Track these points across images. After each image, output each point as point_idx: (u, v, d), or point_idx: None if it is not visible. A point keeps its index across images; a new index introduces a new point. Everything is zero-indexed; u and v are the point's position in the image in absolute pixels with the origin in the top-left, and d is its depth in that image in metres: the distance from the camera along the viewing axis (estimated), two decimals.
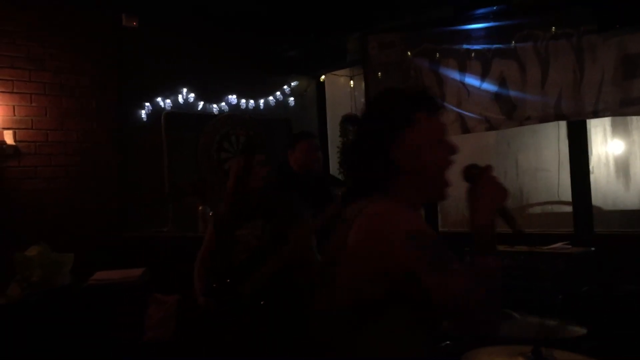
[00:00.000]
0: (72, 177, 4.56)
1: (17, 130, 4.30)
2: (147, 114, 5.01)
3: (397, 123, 1.45)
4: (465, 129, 4.67)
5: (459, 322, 1.37)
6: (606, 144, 4.52)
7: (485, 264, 1.37)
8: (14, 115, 4.30)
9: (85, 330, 3.74)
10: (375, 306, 1.37)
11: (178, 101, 5.21)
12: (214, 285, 2.80)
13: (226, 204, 2.85)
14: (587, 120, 4.30)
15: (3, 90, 4.25)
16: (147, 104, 5.02)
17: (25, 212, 4.28)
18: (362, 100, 5.65)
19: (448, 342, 2.49)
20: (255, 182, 2.85)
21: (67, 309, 3.77)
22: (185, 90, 5.25)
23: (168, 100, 5.14)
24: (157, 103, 5.09)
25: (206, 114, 5.40)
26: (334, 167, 5.86)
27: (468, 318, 1.33)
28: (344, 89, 6.25)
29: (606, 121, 4.44)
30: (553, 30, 4.12)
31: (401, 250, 1.32)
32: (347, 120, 5.90)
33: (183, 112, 5.23)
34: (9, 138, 4.23)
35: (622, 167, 4.44)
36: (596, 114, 4.05)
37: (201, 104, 5.36)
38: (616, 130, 4.47)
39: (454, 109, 4.68)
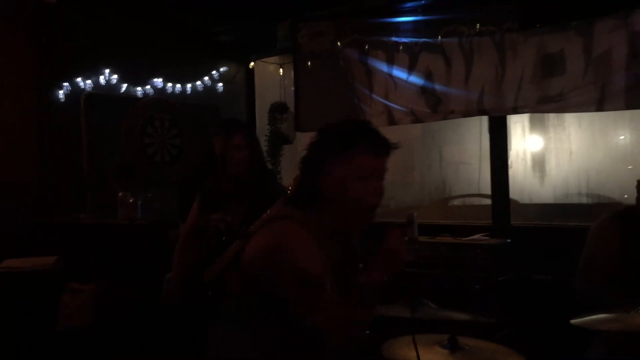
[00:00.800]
0: None
1: None
2: (66, 95, 4.78)
3: (329, 154, 1.58)
4: (392, 121, 4.72)
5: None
6: (524, 139, 4.69)
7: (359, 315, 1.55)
8: None
9: None
10: (254, 309, 1.60)
11: (99, 82, 5.00)
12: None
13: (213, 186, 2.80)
14: (508, 117, 4.45)
15: None
16: (66, 84, 4.79)
17: None
18: (292, 88, 5.62)
19: (367, 331, 2.52)
20: (232, 166, 2.78)
21: None
22: (107, 71, 5.03)
23: (89, 81, 4.92)
24: (77, 83, 4.86)
25: (130, 97, 5.21)
26: None
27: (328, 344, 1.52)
28: (273, 77, 6.20)
29: (525, 118, 4.60)
30: (477, 26, 4.23)
31: (283, 279, 1.52)
32: (276, 109, 5.86)
33: (105, 94, 5.02)
34: None
35: (539, 162, 4.63)
36: (515, 110, 4.19)
37: (125, 86, 5.17)
38: (534, 126, 4.65)
39: (382, 100, 4.73)
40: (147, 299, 3.50)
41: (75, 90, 4.84)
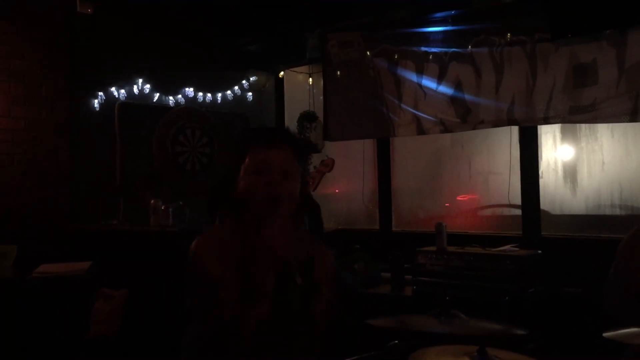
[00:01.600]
0: (18, 166, 4.41)
1: None
2: (100, 104, 4.89)
3: (238, 158, 1.80)
4: (421, 131, 4.72)
5: None
6: (555, 149, 4.63)
7: None
8: None
9: (28, 324, 3.64)
10: None
11: (133, 92, 5.10)
12: None
13: None
14: (538, 126, 4.41)
15: None
16: (101, 93, 4.90)
17: None
18: (321, 98, 5.65)
19: (396, 341, 2.51)
20: None
21: (9, 302, 3.65)
22: (140, 80, 5.14)
23: (122, 91, 5.03)
24: (111, 93, 4.97)
25: (162, 106, 5.30)
26: None
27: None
28: (302, 86, 6.24)
29: (556, 128, 4.54)
30: (508, 36, 4.21)
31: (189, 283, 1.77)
32: (305, 118, 5.89)
33: (138, 103, 5.12)
34: None
35: (570, 173, 4.56)
36: (547, 121, 4.15)
37: (157, 95, 5.26)
38: (565, 136, 4.59)
39: (411, 110, 4.73)
40: (176, 305, 3.55)
41: (110, 99, 4.95)
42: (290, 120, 6.13)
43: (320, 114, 5.67)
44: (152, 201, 4.38)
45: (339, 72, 5.19)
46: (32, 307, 3.68)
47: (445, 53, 4.52)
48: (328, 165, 3.04)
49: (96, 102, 4.87)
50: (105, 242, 4.33)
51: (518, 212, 4.55)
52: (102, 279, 3.99)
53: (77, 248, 4.34)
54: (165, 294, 3.71)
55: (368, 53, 4.99)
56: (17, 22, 4.44)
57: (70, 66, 4.72)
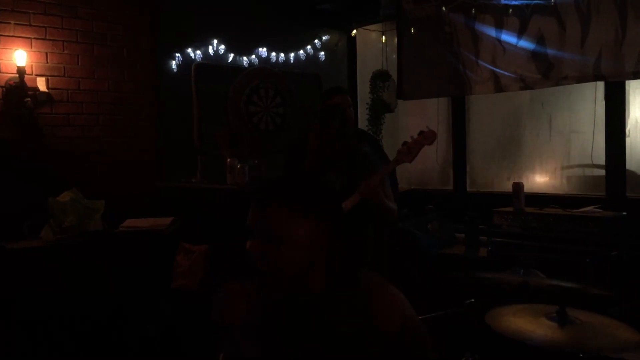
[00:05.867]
0: (104, 126, 4.61)
1: (49, 77, 4.34)
2: (178, 65, 5.01)
3: None
4: (499, 88, 4.57)
5: None
6: None
7: None
8: (47, 62, 4.33)
9: (115, 275, 3.85)
10: None
11: (208, 53, 5.19)
12: None
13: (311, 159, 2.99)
14: (626, 82, 4.18)
15: (36, 36, 4.27)
16: (178, 54, 5.01)
17: (59, 158, 4.36)
18: (394, 56, 5.56)
19: (472, 299, 2.50)
20: (334, 155, 2.93)
21: (98, 253, 3.87)
22: (215, 41, 5.21)
23: (199, 52, 5.12)
24: (188, 54, 5.07)
25: (236, 67, 5.37)
26: (362, 124, 5.82)
27: None
28: (375, 44, 6.15)
29: None
30: None
31: None
32: (378, 77, 5.82)
33: (213, 64, 5.21)
34: (42, 85, 4.27)
35: None
36: (636, 75, 3.91)
37: (231, 56, 5.33)
38: None
39: (488, 66, 4.58)
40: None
41: (187, 60, 5.05)
42: (363, 80, 6.07)
43: (393, 73, 5.59)
44: (228, 160, 4.49)
45: (413, 29, 5.08)
46: (119, 257, 3.90)
47: (527, 5, 4.31)
48: (428, 137, 2.81)
49: (174, 64, 4.99)
50: (186, 199, 4.49)
51: (601, 172, 4.36)
52: (183, 233, 4.17)
53: (160, 204, 4.53)
54: (242, 251, 3.82)
55: (444, 8, 4.84)
56: None
57: (150, 28, 4.84)
